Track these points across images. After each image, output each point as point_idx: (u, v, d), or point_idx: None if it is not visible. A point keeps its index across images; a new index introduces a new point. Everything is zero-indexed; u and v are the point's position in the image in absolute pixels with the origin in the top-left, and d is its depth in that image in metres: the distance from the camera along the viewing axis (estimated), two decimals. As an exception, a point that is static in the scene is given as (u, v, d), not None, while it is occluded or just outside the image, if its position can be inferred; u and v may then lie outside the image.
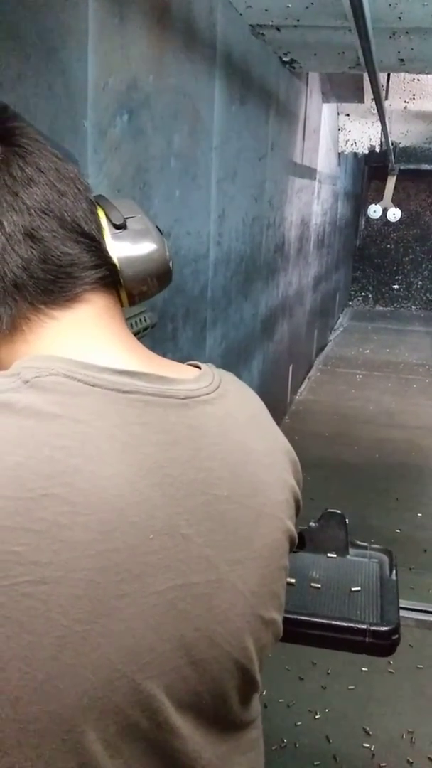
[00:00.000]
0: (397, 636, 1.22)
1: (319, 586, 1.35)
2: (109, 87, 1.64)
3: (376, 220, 6.97)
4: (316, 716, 2.29)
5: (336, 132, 6.42)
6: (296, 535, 0.66)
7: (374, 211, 6.23)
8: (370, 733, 2.22)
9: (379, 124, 5.21)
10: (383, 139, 5.39)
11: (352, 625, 1.21)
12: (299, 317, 5.51)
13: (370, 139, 6.39)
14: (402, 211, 6.59)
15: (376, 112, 4.17)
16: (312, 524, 1.43)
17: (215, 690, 0.56)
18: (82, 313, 0.59)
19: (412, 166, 8.84)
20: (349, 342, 8.47)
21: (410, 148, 7.66)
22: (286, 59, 3.58)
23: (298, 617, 1.22)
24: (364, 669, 2.49)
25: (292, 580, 1.34)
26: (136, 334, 0.89)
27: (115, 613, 0.47)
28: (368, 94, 4.90)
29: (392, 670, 2.50)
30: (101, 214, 0.63)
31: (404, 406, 5.83)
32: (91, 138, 1.57)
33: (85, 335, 0.58)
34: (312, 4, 2.61)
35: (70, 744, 0.46)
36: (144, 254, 0.65)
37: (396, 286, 11.44)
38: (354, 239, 11.02)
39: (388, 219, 6.23)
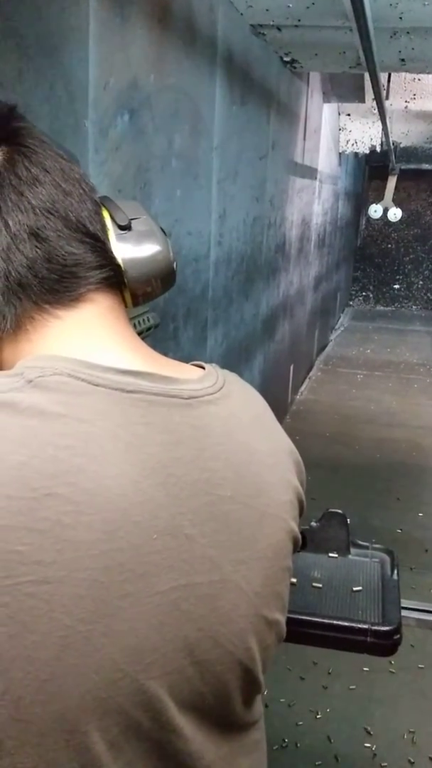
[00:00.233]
0: (398, 636, 1.22)
1: (320, 585, 1.35)
2: (110, 87, 1.64)
3: (377, 219, 6.96)
4: (318, 716, 2.29)
5: (337, 132, 6.42)
6: (300, 536, 0.66)
7: (375, 210, 6.22)
8: (372, 732, 2.22)
9: (379, 123, 5.21)
10: (384, 139, 5.39)
11: (353, 624, 1.21)
12: (300, 317, 5.51)
13: (371, 138, 6.39)
14: (403, 210, 6.58)
15: (376, 111, 4.17)
16: (313, 524, 1.43)
17: (218, 690, 0.56)
18: (87, 313, 0.59)
19: (412, 166, 8.85)
20: (350, 342, 8.47)
21: (411, 148, 7.67)
22: (286, 59, 3.58)
23: (300, 617, 1.21)
24: (365, 669, 2.49)
25: (294, 580, 1.34)
26: (139, 334, 0.89)
27: (119, 613, 0.47)
28: (369, 94, 4.89)
29: (393, 670, 2.50)
30: (106, 214, 0.63)
31: (405, 406, 5.83)
32: (92, 138, 1.57)
33: (89, 335, 0.58)
34: (313, 4, 2.61)
35: (73, 744, 0.46)
36: (148, 255, 0.65)
37: (397, 286, 11.43)
38: (355, 239, 11.02)
39: (389, 219, 6.22)
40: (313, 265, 6.06)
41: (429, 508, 3.87)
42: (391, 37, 2.97)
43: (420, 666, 2.53)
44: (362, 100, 5.27)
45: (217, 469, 0.56)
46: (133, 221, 0.65)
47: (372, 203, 6.51)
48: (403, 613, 1.35)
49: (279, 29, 2.99)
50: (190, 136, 2.28)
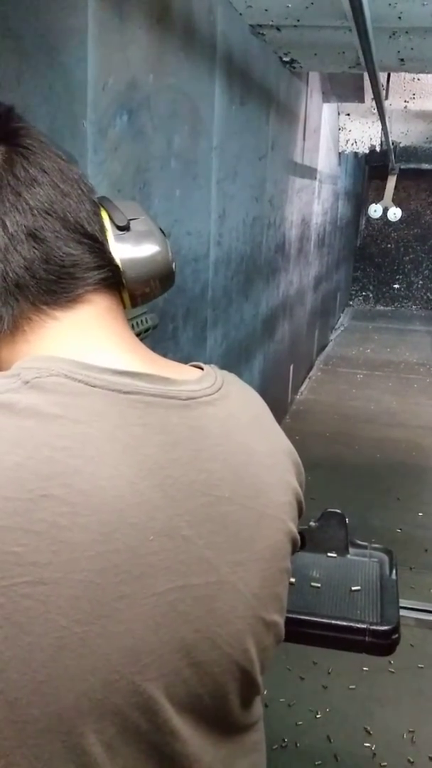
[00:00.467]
0: (396, 635, 1.22)
1: (319, 585, 1.35)
2: (109, 87, 1.64)
3: (377, 219, 6.96)
4: (317, 716, 2.29)
5: (336, 131, 6.42)
6: (299, 537, 0.66)
7: (375, 210, 6.22)
8: (371, 732, 2.22)
9: (379, 123, 5.21)
10: (383, 139, 5.39)
11: (351, 624, 1.21)
12: (300, 317, 5.51)
13: (371, 138, 6.39)
14: (402, 210, 6.58)
15: (376, 111, 4.17)
16: (312, 524, 1.44)
17: (216, 692, 0.56)
18: (84, 314, 0.59)
19: (412, 166, 8.85)
20: (349, 341, 8.47)
21: (411, 148, 7.67)
22: (286, 59, 3.58)
23: (298, 616, 1.22)
24: (365, 668, 2.49)
25: (292, 580, 1.34)
26: (137, 335, 0.89)
27: (115, 615, 0.47)
28: (368, 94, 4.89)
29: (393, 670, 2.50)
30: (104, 215, 0.63)
31: (405, 406, 5.83)
32: (90, 138, 1.57)
33: (86, 336, 0.58)
34: (312, 3, 2.61)
35: (70, 745, 0.46)
36: (147, 256, 0.65)
37: (397, 286, 11.43)
38: (354, 239, 11.02)
39: (389, 218, 6.22)
40: (313, 265, 6.06)
41: (429, 508, 3.87)
42: (390, 36, 2.97)
43: (420, 666, 2.53)
44: (362, 99, 5.27)
45: (215, 470, 0.56)
46: (131, 222, 0.65)
47: (372, 203, 6.51)
48: (402, 612, 1.35)
49: (278, 29, 2.99)
50: (190, 136, 2.28)
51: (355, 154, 6.98)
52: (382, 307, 11.26)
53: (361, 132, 6.42)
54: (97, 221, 0.61)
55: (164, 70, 1.98)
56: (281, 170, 4.01)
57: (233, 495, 0.57)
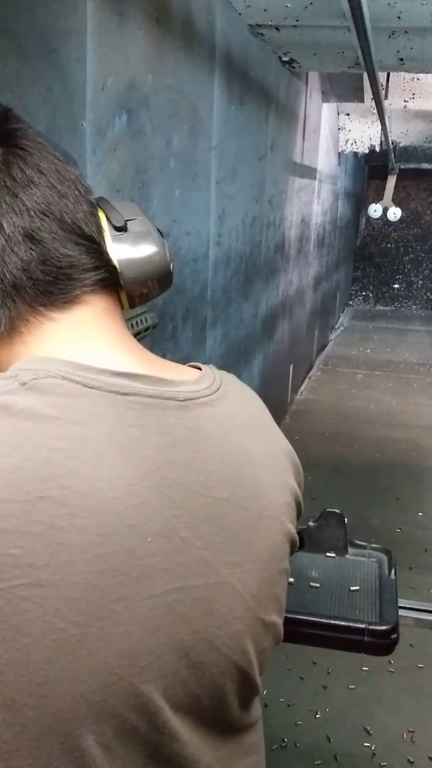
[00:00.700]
0: (395, 635, 1.22)
1: (318, 585, 1.35)
2: (108, 87, 1.64)
3: (377, 219, 6.97)
4: (317, 716, 2.29)
5: (336, 131, 6.42)
6: (297, 538, 0.66)
7: (374, 210, 6.23)
8: (371, 732, 2.22)
9: (379, 123, 5.21)
10: (383, 139, 5.39)
11: (350, 624, 1.21)
12: (300, 317, 5.51)
13: (370, 138, 6.39)
14: (402, 210, 6.59)
15: (376, 111, 4.17)
16: (311, 524, 1.44)
17: (214, 693, 0.55)
18: (82, 315, 0.58)
19: (412, 166, 8.86)
20: (349, 341, 8.47)
21: (410, 148, 7.66)
22: (285, 59, 3.58)
23: (297, 616, 1.22)
24: (364, 668, 2.49)
25: (291, 580, 1.34)
26: (137, 334, 0.89)
27: (113, 617, 0.47)
28: (368, 94, 4.89)
29: (393, 670, 2.50)
30: (102, 216, 0.63)
31: (405, 406, 5.83)
32: (89, 138, 1.57)
33: (84, 337, 0.58)
34: (311, 3, 2.61)
35: (68, 747, 0.46)
36: (144, 256, 0.64)
37: (396, 286, 11.43)
38: (354, 239, 11.02)
39: (389, 218, 6.22)
40: (313, 264, 6.06)
41: (428, 508, 3.88)
42: (389, 36, 2.97)
43: (419, 665, 2.53)
44: (361, 99, 5.27)
45: (213, 471, 0.56)
46: (129, 222, 0.64)
47: (371, 203, 6.51)
48: (401, 612, 1.36)
49: (277, 29, 2.99)
50: (189, 136, 2.28)
51: (355, 153, 6.98)
52: (381, 307, 11.26)
53: (361, 132, 6.42)
54: (94, 222, 0.61)
55: (163, 70, 1.98)
56: (281, 170, 4.01)
57: (231, 496, 0.57)
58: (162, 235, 0.68)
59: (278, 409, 4.95)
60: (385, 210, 6.12)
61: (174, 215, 2.22)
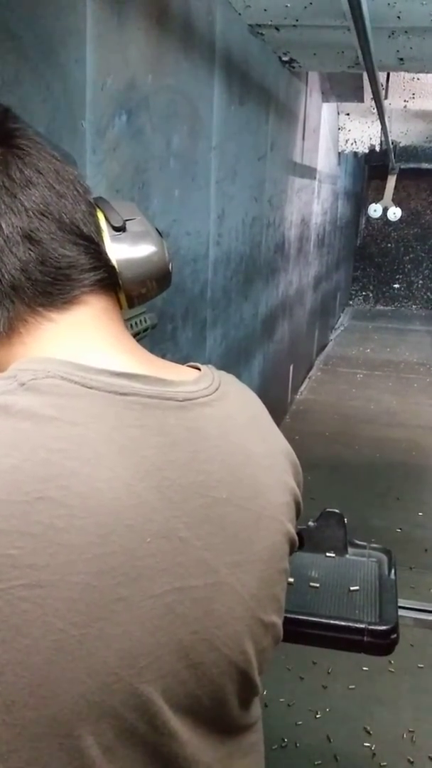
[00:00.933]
0: (395, 635, 1.22)
1: (317, 585, 1.35)
2: (108, 87, 1.64)
3: (377, 219, 6.97)
4: (317, 716, 2.29)
5: (336, 131, 6.42)
6: (297, 538, 0.66)
7: (375, 210, 6.23)
8: (371, 732, 2.22)
9: (379, 123, 5.21)
10: (383, 138, 5.39)
11: (350, 624, 1.21)
12: (300, 317, 5.51)
13: (370, 138, 6.39)
14: (402, 210, 6.59)
15: (375, 111, 4.17)
16: (311, 524, 1.44)
17: (214, 693, 0.55)
18: (80, 315, 0.58)
19: (412, 165, 8.84)
20: (349, 341, 8.47)
21: (410, 147, 7.66)
22: (285, 59, 3.58)
23: (297, 616, 1.22)
24: (364, 668, 2.49)
25: (291, 580, 1.34)
26: (136, 335, 0.89)
27: (112, 617, 0.47)
28: (368, 94, 4.89)
29: (393, 670, 2.50)
30: (100, 216, 0.63)
31: (405, 406, 5.83)
32: (89, 138, 1.57)
33: (82, 337, 0.58)
34: (311, 3, 2.61)
35: (67, 748, 0.46)
36: (143, 256, 0.64)
37: (397, 286, 11.43)
38: (354, 238, 11.02)
39: (389, 218, 6.23)
40: (313, 264, 6.06)
41: (428, 508, 3.88)
42: (389, 36, 2.97)
43: (419, 666, 2.53)
44: (361, 99, 5.27)
45: (213, 471, 0.56)
46: (127, 222, 0.64)
47: (372, 202, 6.51)
48: (401, 612, 1.36)
49: (277, 29, 2.99)
50: (189, 136, 2.28)
51: (355, 153, 6.98)
52: (382, 307, 11.26)
53: (361, 132, 6.42)
54: (92, 222, 0.61)
55: (163, 70, 1.98)
56: (280, 170, 4.01)
57: (231, 496, 0.57)
58: (161, 235, 0.67)
59: (278, 409, 4.95)
60: (385, 210, 6.12)
61: (174, 215, 2.22)
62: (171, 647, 0.51)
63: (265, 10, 2.73)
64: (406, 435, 5.07)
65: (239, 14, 2.78)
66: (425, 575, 3.01)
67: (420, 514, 3.79)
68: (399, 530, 3.57)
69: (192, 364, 0.65)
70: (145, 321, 0.99)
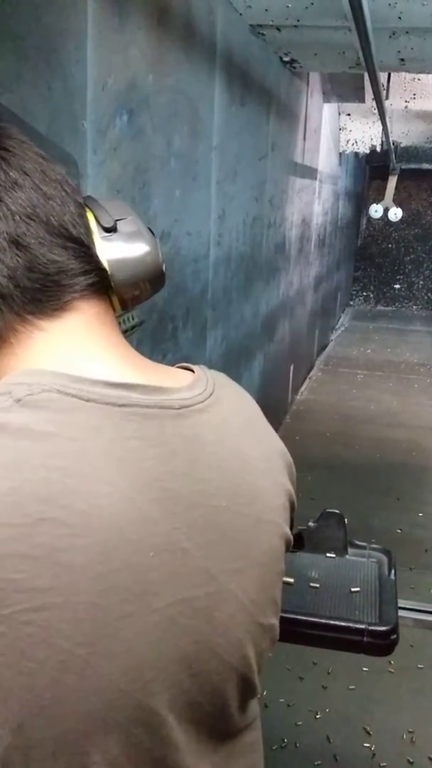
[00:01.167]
0: (395, 636, 1.22)
1: (317, 585, 1.35)
2: (109, 87, 1.64)
3: (378, 219, 6.97)
4: (317, 716, 2.29)
5: (337, 132, 6.42)
6: (291, 538, 0.66)
7: (375, 210, 6.23)
8: (371, 732, 2.22)
9: (380, 123, 5.21)
10: (384, 139, 5.39)
11: (350, 624, 1.21)
12: (300, 317, 5.51)
13: (371, 138, 6.39)
14: (403, 210, 6.59)
15: (377, 111, 4.17)
16: (311, 524, 1.43)
17: (215, 699, 0.55)
18: (72, 323, 0.57)
19: (413, 166, 8.85)
20: (350, 342, 8.47)
21: (411, 148, 7.67)
22: (286, 59, 3.58)
23: (297, 617, 1.22)
24: (364, 669, 2.49)
25: (291, 580, 1.34)
26: (123, 333, 0.88)
27: (117, 634, 0.46)
28: (369, 94, 4.89)
29: (393, 670, 2.49)
30: (90, 216, 0.61)
31: (405, 406, 5.83)
32: (90, 138, 1.57)
33: (75, 346, 0.56)
34: (312, 4, 2.61)
35: (74, 766, 0.46)
36: (135, 257, 0.63)
37: (397, 286, 11.43)
38: (355, 239, 11.01)
39: (390, 218, 6.23)
40: (314, 265, 6.06)
41: (429, 509, 3.87)
42: (390, 37, 2.97)
43: (419, 666, 2.53)
44: (362, 99, 5.27)
45: (212, 479, 0.55)
46: (118, 222, 0.62)
47: (372, 203, 6.51)
48: (401, 613, 1.36)
49: (278, 29, 2.99)
50: (189, 136, 2.28)
51: (356, 154, 6.98)
52: (382, 308, 11.26)
53: (362, 132, 6.42)
54: (82, 223, 0.59)
55: (164, 70, 1.98)
56: (281, 170, 4.01)
57: (230, 503, 0.56)
58: (153, 234, 0.66)
59: (279, 410, 4.95)
60: (386, 210, 6.12)
61: (175, 215, 2.22)
62: (174, 658, 0.50)
63: (266, 10, 2.73)
64: (406, 435, 5.07)
65: (240, 14, 2.78)
66: (425, 576, 3.01)
67: (420, 514, 3.79)
68: (399, 531, 3.57)
69: (184, 365, 0.64)
70: (133, 318, 0.98)
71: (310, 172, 5.10)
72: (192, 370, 0.63)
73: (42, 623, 0.44)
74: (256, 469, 0.61)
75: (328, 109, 5.64)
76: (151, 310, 2.04)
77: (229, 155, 2.79)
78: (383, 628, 1.21)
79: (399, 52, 3.19)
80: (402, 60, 3.33)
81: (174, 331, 2.33)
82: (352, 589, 1.33)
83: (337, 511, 1.42)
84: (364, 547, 1.46)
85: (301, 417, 5.43)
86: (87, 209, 0.61)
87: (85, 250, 0.58)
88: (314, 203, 5.57)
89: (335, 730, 2.23)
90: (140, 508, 0.49)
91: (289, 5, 2.66)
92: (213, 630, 0.53)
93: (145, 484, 0.50)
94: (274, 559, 0.61)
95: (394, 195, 6.06)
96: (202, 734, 0.55)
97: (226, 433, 0.59)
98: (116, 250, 0.62)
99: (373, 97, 3.73)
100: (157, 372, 0.60)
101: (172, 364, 0.65)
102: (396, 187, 6.05)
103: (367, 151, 6.56)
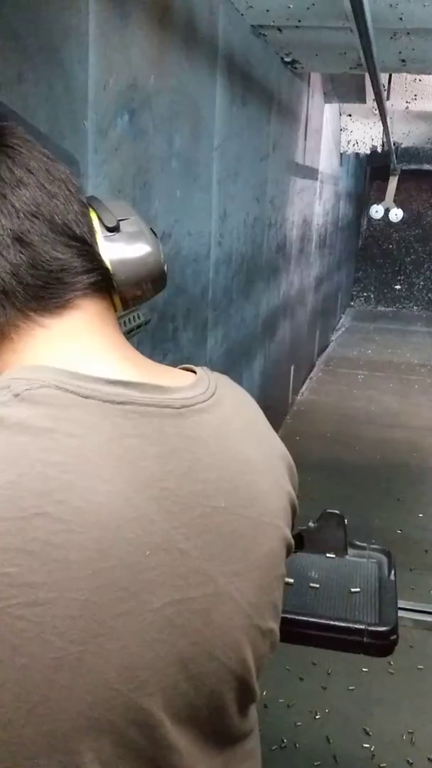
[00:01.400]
0: (395, 636, 1.22)
1: (317, 586, 1.35)
2: (110, 87, 1.65)
3: (378, 220, 6.97)
4: (316, 716, 2.29)
5: (338, 132, 6.42)
6: (293, 542, 0.66)
7: (376, 211, 6.23)
8: (370, 733, 2.22)
9: (381, 124, 5.21)
10: (385, 140, 5.39)
11: (350, 625, 1.21)
12: (301, 317, 5.51)
13: (372, 139, 6.39)
14: (404, 211, 6.59)
15: (378, 112, 4.17)
16: (311, 524, 1.43)
17: (213, 703, 0.55)
18: (74, 320, 0.57)
19: (414, 167, 8.85)
20: (350, 342, 8.47)
21: (412, 149, 7.67)
22: (287, 59, 3.58)
23: (297, 617, 1.22)
24: (364, 669, 2.49)
25: (291, 581, 1.34)
26: (129, 332, 0.88)
27: (112, 632, 0.46)
28: (370, 95, 4.89)
29: (392, 671, 2.50)
30: (93, 216, 0.62)
31: (406, 407, 5.83)
32: (91, 138, 1.57)
33: (76, 343, 0.56)
34: (313, 4, 2.61)
35: (66, 765, 0.45)
36: (137, 257, 0.63)
37: (398, 287, 11.43)
38: (356, 239, 11.01)
39: (390, 219, 6.23)
40: (314, 265, 6.06)
41: (429, 509, 3.87)
42: (391, 37, 2.97)
43: (419, 667, 2.53)
44: (363, 100, 5.27)
45: (211, 479, 0.55)
46: (121, 222, 0.63)
47: (373, 204, 6.51)
48: (401, 613, 1.36)
49: (279, 30, 2.99)
50: (191, 136, 2.28)
51: (357, 154, 6.99)
52: (383, 308, 11.26)
53: (363, 133, 6.42)
54: (85, 223, 0.59)
55: (165, 70, 1.98)
56: (282, 171, 4.01)
57: (229, 505, 0.56)
58: (155, 235, 0.66)
59: (279, 410, 4.95)
60: (387, 211, 6.13)
61: (175, 215, 2.22)
62: (170, 659, 0.50)
63: (267, 10, 2.73)
64: (407, 436, 5.07)
65: (242, 15, 2.78)
66: (425, 576, 3.01)
67: (420, 515, 3.79)
68: (399, 531, 3.57)
69: (187, 366, 0.64)
70: (138, 318, 0.98)
71: (311, 173, 5.11)
72: (194, 372, 0.62)
73: (35, 619, 0.43)
74: (257, 471, 0.60)
75: (329, 110, 5.64)
76: (151, 310, 2.04)
77: (230, 155, 2.79)
78: (383, 629, 1.21)
79: (400, 52, 3.19)
80: (403, 61, 3.34)
81: (174, 331, 2.33)
82: (352, 590, 1.33)
83: (337, 512, 1.42)
84: (364, 548, 1.46)
85: (302, 417, 5.43)
86: (90, 209, 0.62)
87: (88, 249, 0.58)
88: (315, 204, 5.57)
89: (335, 731, 2.23)
90: (137, 507, 0.49)
91: (291, 6, 2.66)
92: (210, 632, 0.53)
93: (143, 483, 0.50)
94: (274, 562, 0.60)
95: (395, 196, 6.06)
96: (200, 738, 0.55)
97: (227, 435, 0.59)
98: (119, 250, 0.62)
99: (374, 97, 3.73)
100: (157, 372, 0.60)
101: (173, 365, 0.65)
102: (397, 188, 6.05)
103: (368, 152, 6.56)
